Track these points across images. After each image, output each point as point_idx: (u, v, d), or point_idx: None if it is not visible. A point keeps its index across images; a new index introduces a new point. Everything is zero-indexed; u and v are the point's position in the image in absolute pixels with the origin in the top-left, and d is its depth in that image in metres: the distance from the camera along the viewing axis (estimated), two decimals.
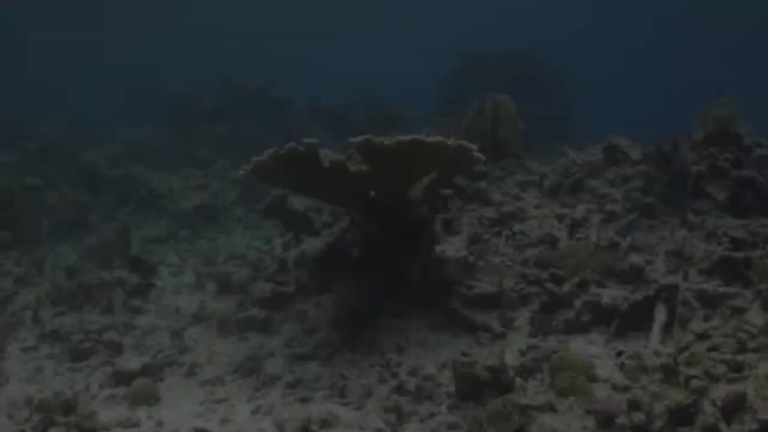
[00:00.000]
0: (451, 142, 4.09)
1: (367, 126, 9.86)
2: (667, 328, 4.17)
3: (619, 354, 3.98)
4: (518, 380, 3.71)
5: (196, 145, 12.52)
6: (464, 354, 3.81)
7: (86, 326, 4.88)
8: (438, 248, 5.45)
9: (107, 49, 39.78)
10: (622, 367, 3.83)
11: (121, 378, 4.25)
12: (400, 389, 3.95)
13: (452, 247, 5.62)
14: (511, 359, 4.10)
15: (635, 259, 4.80)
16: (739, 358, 3.38)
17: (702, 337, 3.66)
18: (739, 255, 4.53)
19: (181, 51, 44.55)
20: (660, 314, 4.26)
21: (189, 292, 6.13)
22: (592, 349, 4.33)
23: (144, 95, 16.50)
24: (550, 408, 3.37)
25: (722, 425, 2.92)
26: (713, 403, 3.01)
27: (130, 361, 4.39)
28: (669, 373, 3.47)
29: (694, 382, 3.18)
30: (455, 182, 6.46)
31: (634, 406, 3.14)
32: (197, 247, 7.94)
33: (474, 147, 4.26)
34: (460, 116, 7.55)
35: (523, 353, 4.19)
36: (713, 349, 3.45)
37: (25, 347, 4.93)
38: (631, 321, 4.37)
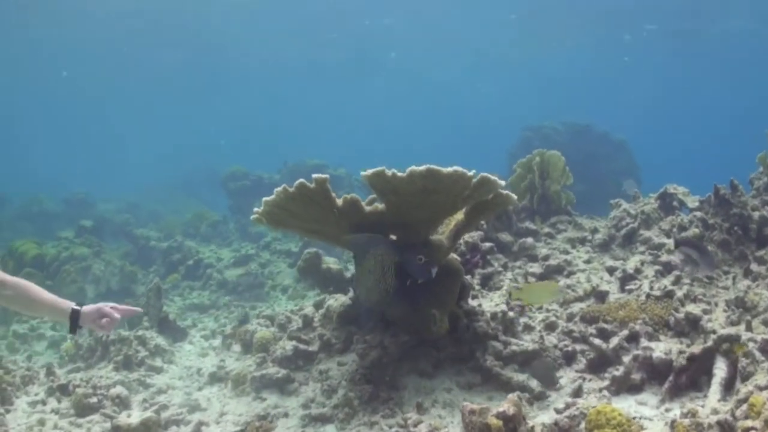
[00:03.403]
0: (471, 173, 3.74)
1: None
2: (728, 384, 3.58)
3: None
4: None
5: (252, 220, 12.58)
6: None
7: (95, 381, 4.62)
8: (473, 302, 5.03)
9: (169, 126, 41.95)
10: (672, 425, 3.26)
11: None
12: None
13: (490, 302, 5.18)
14: (546, 418, 3.62)
15: (691, 308, 4.23)
16: None
17: (764, 388, 3.07)
18: None
19: (241, 130, 46.49)
20: (720, 369, 3.68)
21: (215, 354, 5.83)
22: (644, 410, 3.78)
23: (202, 173, 16.91)
24: None
25: None
26: None
27: (131, 417, 4.08)
28: (726, 430, 2.91)
29: None
30: (499, 238, 6.08)
31: None
32: (237, 315, 7.70)
33: (499, 180, 3.88)
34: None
35: (559, 411, 3.67)
36: None
37: (33, 401, 4.71)
38: (687, 377, 3.80)
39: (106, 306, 2.89)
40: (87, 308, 2.86)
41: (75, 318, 2.83)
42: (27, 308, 2.94)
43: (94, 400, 4.44)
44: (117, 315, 2.89)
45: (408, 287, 4.18)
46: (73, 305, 2.86)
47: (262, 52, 29.48)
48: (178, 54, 27.73)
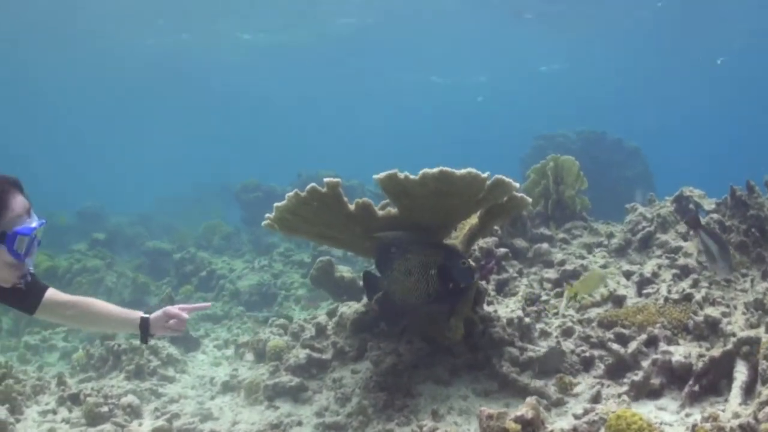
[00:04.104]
0: (485, 175, 3.68)
1: None
2: (749, 388, 3.49)
3: None
4: None
5: (265, 231, 12.56)
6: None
7: (107, 391, 4.58)
8: (489, 308, 4.95)
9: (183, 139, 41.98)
10: (694, 430, 3.17)
11: None
12: None
13: (506, 309, 5.09)
14: (565, 423, 3.54)
15: (710, 311, 4.14)
16: None
17: None
18: None
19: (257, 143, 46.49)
20: (740, 372, 3.58)
21: (228, 363, 5.78)
22: (664, 415, 3.69)
23: (214, 185, 16.91)
24: None
25: None
26: None
27: (142, 426, 4.03)
28: None
29: None
30: (514, 244, 6.00)
31: None
32: (249, 325, 7.66)
33: (514, 182, 3.82)
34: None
35: (578, 416, 3.59)
36: None
37: (44, 410, 4.67)
38: (707, 381, 3.71)
39: (172, 308, 2.75)
40: (154, 315, 2.72)
41: (145, 327, 2.70)
42: (92, 324, 2.81)
43: (105, 409, 4.39)
44: (185, 315, 2.74)
45: (451, 290, 4.08)
46: (140, 314, 2.72)
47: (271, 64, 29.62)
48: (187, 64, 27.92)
